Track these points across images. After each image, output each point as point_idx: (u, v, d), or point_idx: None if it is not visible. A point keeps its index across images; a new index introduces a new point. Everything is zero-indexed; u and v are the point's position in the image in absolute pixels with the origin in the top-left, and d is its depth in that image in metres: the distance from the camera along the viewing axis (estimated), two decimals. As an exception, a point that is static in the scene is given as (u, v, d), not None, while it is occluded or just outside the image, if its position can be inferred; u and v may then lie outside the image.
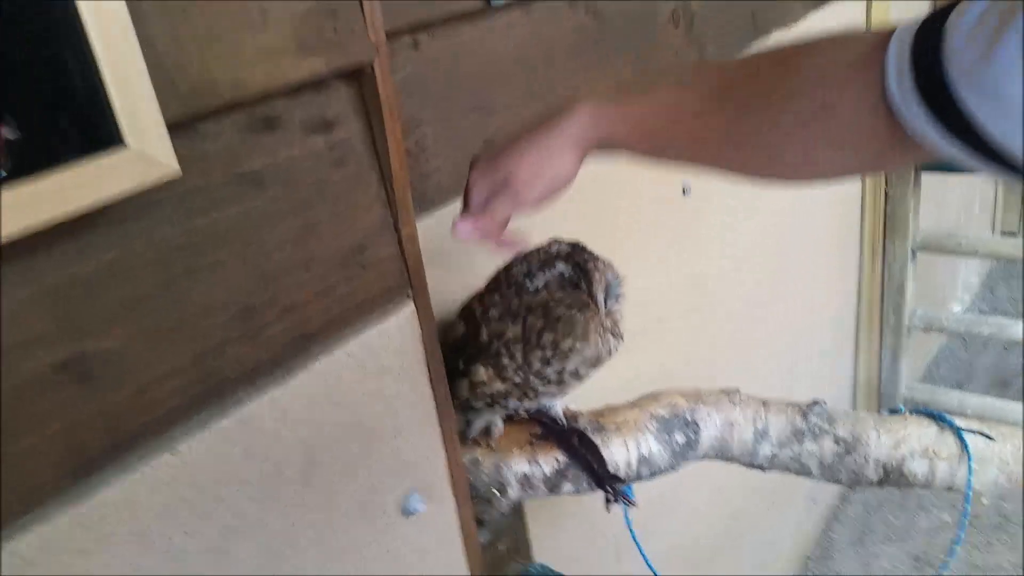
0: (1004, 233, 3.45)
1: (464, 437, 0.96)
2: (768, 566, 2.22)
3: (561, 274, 0.85)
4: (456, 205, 1.00)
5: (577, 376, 0.87)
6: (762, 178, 0.67)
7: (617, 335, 0.88)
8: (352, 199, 0.71)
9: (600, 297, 0.84)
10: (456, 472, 0.87)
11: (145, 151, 0.50)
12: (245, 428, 0.66)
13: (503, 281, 0.87)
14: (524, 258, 0.87)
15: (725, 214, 1.59)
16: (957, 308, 3.16)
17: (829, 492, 2.45)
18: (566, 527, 1.30)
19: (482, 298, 0.89)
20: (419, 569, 0.86)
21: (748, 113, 0.63)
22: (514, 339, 0.85)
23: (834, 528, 2.44)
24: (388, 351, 0.76)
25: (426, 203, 0.95)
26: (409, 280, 0.77)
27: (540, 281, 0.85)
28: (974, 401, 2.33)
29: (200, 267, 0.62)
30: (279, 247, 0.66)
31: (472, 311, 0.89)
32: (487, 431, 0.97)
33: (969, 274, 3.32)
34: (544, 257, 0.86)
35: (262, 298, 0.66)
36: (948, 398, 2.39)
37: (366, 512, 0.78)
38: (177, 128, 0.54)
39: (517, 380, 0.87)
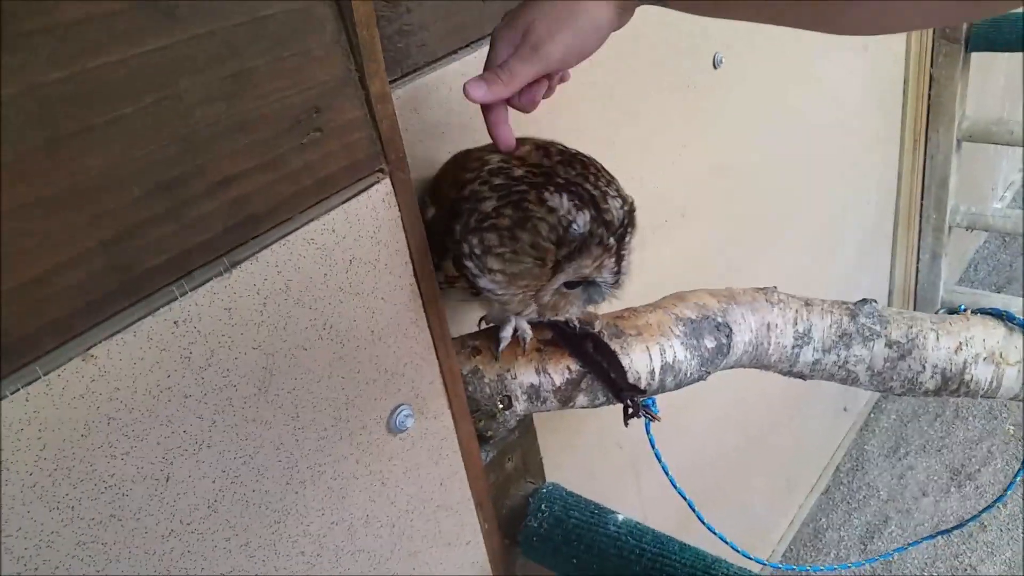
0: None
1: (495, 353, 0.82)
2: (798, 478, 2.13)
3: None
4: (449, 68, 0.85)
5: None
6: (835, 27, 0.58)
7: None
8: (300, 43, 0.57)
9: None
10: (451, 383, 0.75)
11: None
12: (179, 330, 0.54)
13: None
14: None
15: (757, 93, 1.42)
16: (998, 206, 2.97)
17: (861, 401, 2.34)
18: (581, 442, 1.19)
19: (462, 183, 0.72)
20: (412, 491, 0.74)
21: None
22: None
23: (866, 438, 2.34)
24: (359, 237, 0.62)
25: (407, 65, 0.81)
26: (383, 151, 0.63)
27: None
28: (1018, 304, 2.18)
29: (96, 124, 0.48)
30: (203, 102, 0.52)
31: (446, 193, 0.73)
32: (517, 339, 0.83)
33: (1011, 170, 3.12)
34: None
35: (185, 168, 0.52)
36: (990, 302, 2.23)
37: (343, 429, 0.66)
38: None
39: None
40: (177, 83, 0.51)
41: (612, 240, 0.67)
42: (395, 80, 0.80)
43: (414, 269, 0.67)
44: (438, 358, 0.72)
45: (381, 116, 0.62)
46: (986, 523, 2.05)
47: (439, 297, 0.71)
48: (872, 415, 2.40)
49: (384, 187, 0.63)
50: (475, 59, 0.87)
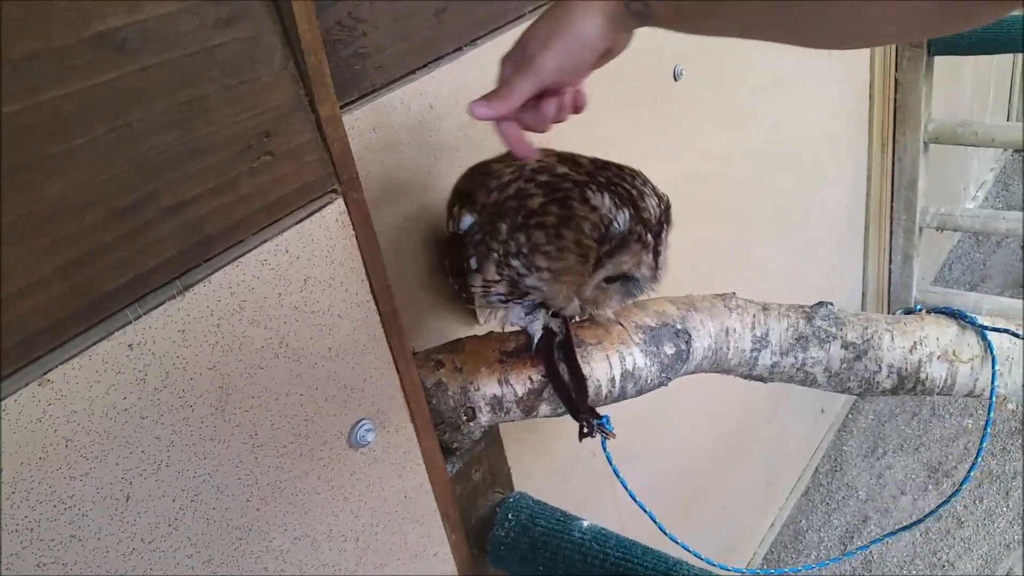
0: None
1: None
2: (777, 481, 2.15)
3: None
4: (407, 87, 0.87)
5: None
6: (812, 42, 0.62)
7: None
8: (249, 70, 0.58)
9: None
10: (413, 396, 0.76)
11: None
12: (134, 352, 0.55)
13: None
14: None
15: (721, 103, 1.45)
16: (971, 206, 3.01)
17: (838, 402, 2.37)
18: (554, 451, 1.20)
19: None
20: (376, 504, 0.76)
21: None
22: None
23: (844, 439, 2.36)
24: (313, 257, 0.64)
25: (365, 87, 0.82)
26: (335, 172, 0.65)
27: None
28: (991, 302, 2.21)
29: (52, 155, 0.49)
30: (155, 130, 0.54)
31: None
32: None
33: (982, 170, 3.16)
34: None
35: (139, 194, 0.54)
36: (963, 300, 2.27)
37: (303, 445, 0.67)
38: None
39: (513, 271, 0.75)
40: (129, 113, 0.53)
41: (649, 237, 0.72)
42: (352, 102, 0.82)
43: (370, 286, 0.69)
44: (398, 372, 0.74)
45: (332, 139, 0.64)
46: (963, 519, 2.07)
47: (397, 312, 0.72)
48: (850, 416, 2.42)
49: (337, 207, 0.65)
50: (433, 78, 0.89)
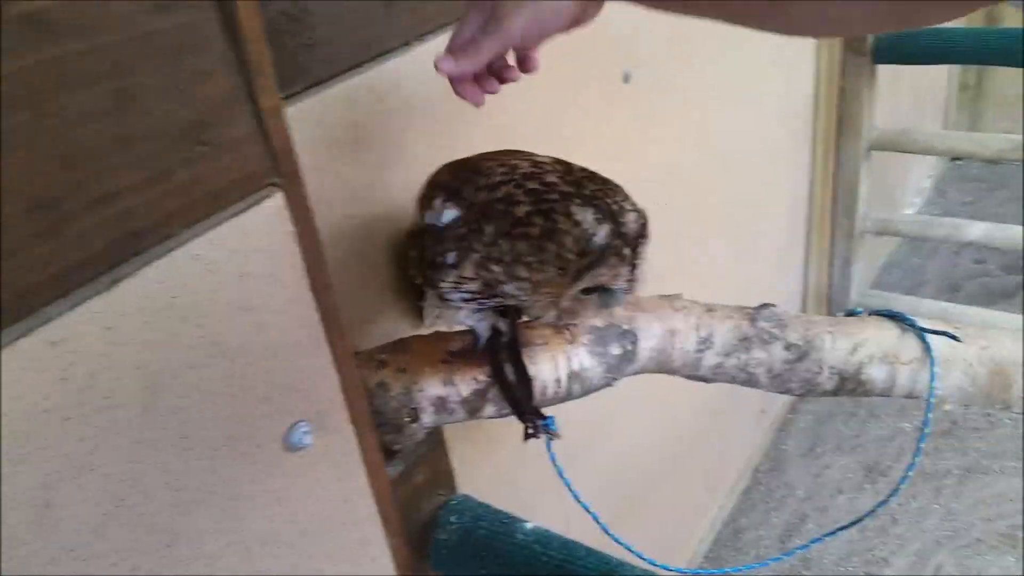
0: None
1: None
2: (717, 480, 2.17)
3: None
4: (353, 81, 0.85)
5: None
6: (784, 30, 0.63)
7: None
8: (187, 59, 0.56)
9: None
10: (353, 397, 0.74)
11: None
12: (57, 350, 0.52)
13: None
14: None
15: (669, 107, 1.45)
16: (909, 212, 3.09)
17: (778, 403, 2.40)
18: (500, 452, 1.19)
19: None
20: (313, 508, 0.73)
21: None
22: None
23: (784, 439, 2.40)
24: (250, 252, 0.62)
25: (310, 79, 0.80)
26: (275, 165, 0.62)
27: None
28: (927, 306, 2.28)
29: (-34, 141, 0.46)
30: (84, 118, 0.51)
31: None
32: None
33: (920, 177, 3.25)
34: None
35: (64, 185, 0.51)
36: (900, 304, 2.32)
37: (236, 447, 0.65)
38: None
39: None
40: (56, 99, 0.50)
41: (627, 251, 0.73)
42: (297, 94, 0.80)
43: (310, 283, 0.67)
44: (339, 372, 0.72)
45: (273, 130, 0.62)
46: (897, 517, 2.12)
47: (338, 310, 0.70)
48: (789, 416, 2.46)
49: (277, 201, 0.63)
50: (381, 73, 0.87)
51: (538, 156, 0.77)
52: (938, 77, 3.13)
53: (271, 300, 0.64)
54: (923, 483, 2.18)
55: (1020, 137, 2.06)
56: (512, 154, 0.79)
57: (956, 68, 3.26)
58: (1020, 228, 2.15)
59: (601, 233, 0.71)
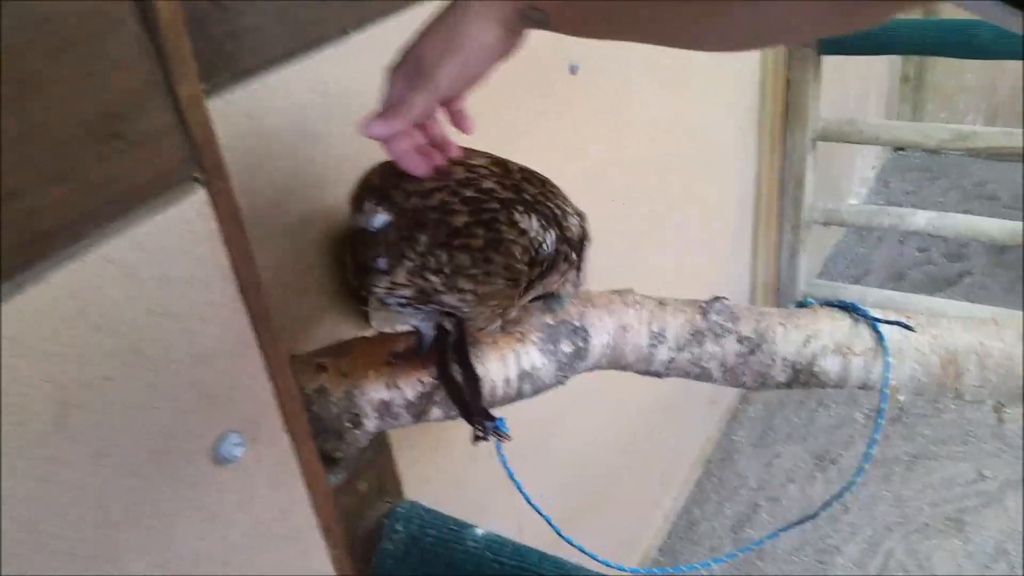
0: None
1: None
2: (670, 474, 2.17)
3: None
4: (287, 71, 0.81)
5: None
6: (711, 43, 0.63)
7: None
8: (95, 45, 0.51)
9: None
10: (289, 405, 0.70)
11: None
12: (-47, 364, 0.48)
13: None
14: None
15: (616, 98, 1.43)
16: (854, 203, 3.13)
17: (729, 393, 2.41)
18: (448, 455, 1.16)
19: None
20: (247, 523, 0.69)
21: None
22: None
23: (735, 430, 2.41)
24: (170, 254, 0.57)
25: (239, 69, 0.76)
26: (197, 159, 0.58)
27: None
28: (874, 295, 2.30)
29: None
30: (-24, 109, 0.46)
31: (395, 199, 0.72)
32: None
33: (864, 168, 3.29)
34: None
35: (-44, 182, 0.46)
36: (848, 293, 2.35)
37: (161, 463, 0.61)
38: None
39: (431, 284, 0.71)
40: (-60, 88, 0.45)
41: (574, 255, 0.70)
42: (224, 85, 0.75)
43: (239, 285, 0.63)
44: (272, 379, 0.68)
45: (193, 122, 0.57)
46: (848, 505, 2.14)
47: (270, 313, 0.66)
48: (740, 406, 2.47)
49: (199, 198, 0.58)
50: (316, 63, 0.83)
51: (473, 159, 0.73)
52: (881, 70, 3.17)
53: (195, 305, 0.60)
54: (873, 469, 2.20)
55: (961, 127, 2.08)
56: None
57: (897, 61, 3.31)
58: (962, 216, 2.18)
59: (549, 240, 0.68)
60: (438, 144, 0.72)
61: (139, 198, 0.55)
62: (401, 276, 0.71)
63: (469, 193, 0.69)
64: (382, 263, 0.72)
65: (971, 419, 2.31)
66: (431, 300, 0.71)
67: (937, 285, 2.76)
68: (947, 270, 2.83)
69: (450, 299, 0.70)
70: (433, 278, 0.69)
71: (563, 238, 0.69)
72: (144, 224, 0.55)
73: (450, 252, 0.68)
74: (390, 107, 0.66)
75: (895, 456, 2.23)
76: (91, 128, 0.52)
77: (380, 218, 0.71)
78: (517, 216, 0.67)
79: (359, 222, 0.74)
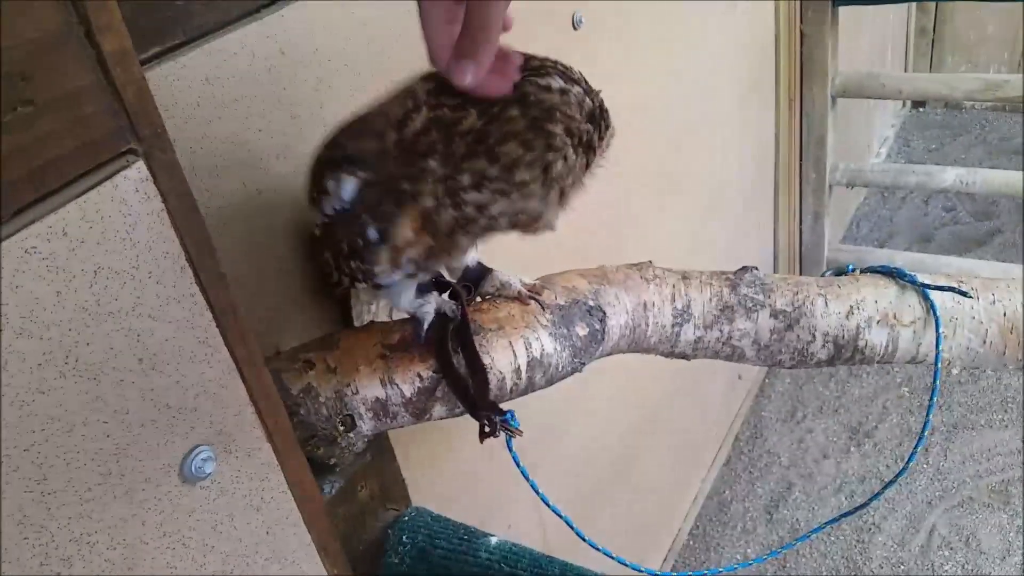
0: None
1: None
2: (697, 450, 2.08)
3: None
4: (249, 29, 0.71)
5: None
6: None
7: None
8: (-12, -12, 0.42)
9: None
10: (268, 409, 0.61)
11: None
12: None
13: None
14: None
15: (622, 56, 1.33)
16: (875, 161, 3.01)
17: (754, 367, 2.31)
18: (455, 453, 1.07)
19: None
20: (228, 547, 0.61)
21: None
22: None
23: (763, 405, 2.31)
24: (105, 240, 0.48)
25: (192, 29, 0.67)
26: (130, 126, 0.49)
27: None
28: (903, 257, 2.19)
29: None
30: None
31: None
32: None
33: (884, 127, 3.16)
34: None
35: None
36: (875, 257, 2.24)
37: (116, 486, 0.52)
38: None
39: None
40: None
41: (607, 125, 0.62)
42: (178, 47, 0.66)
43: (195, 274, 0.53)
44: (244, 382, 0.59)
45: (123, 82, 0.48)
46: (886, 480, 2.04)
47: (238, 308, 0.57)
48: (767, 380, 2.37)
49: (136, 172, 0.49)
50: (283, 18, 0.73)
51: (415, 82, 0.61)
52: (897, 23, 3.04)
53: (141, 300, 0.50)
54: (910, 443, 2.10)
55: (988, 76, 1.96)
56: (394, 94, 0.62)
57: (914, 12, 3.17)
58: (993, 171, 2.06)
59: (593, 94, 0.59)
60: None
61: (60, 175, 0.46)
62: (406, 231, 0.60)
63: (454, 101, 0.57)
64: (372, 233, 0.62)
65: (1009, 384, 2.20)
66: (472, 230, 0.61)
67: (966, 245, 2.64)
68: (976, 229, 2.71)
69: (503, 205, 0.59)
70: (475, 195, 0.58)
71: (590, 91, 0.60)
72: (70, 206, 0.46)
73: (490, 153, 0.56)
74: (467, 38, 0.53)
75: (932, 427, 2.13)
76: (-7, 92, 0.43)
77: (348, 186, 0.61)
78: (542, 81, 0.57)
79: (328, 209, 0.64)
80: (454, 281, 0.78)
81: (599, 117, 0.60)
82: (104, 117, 0.47)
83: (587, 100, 0.58)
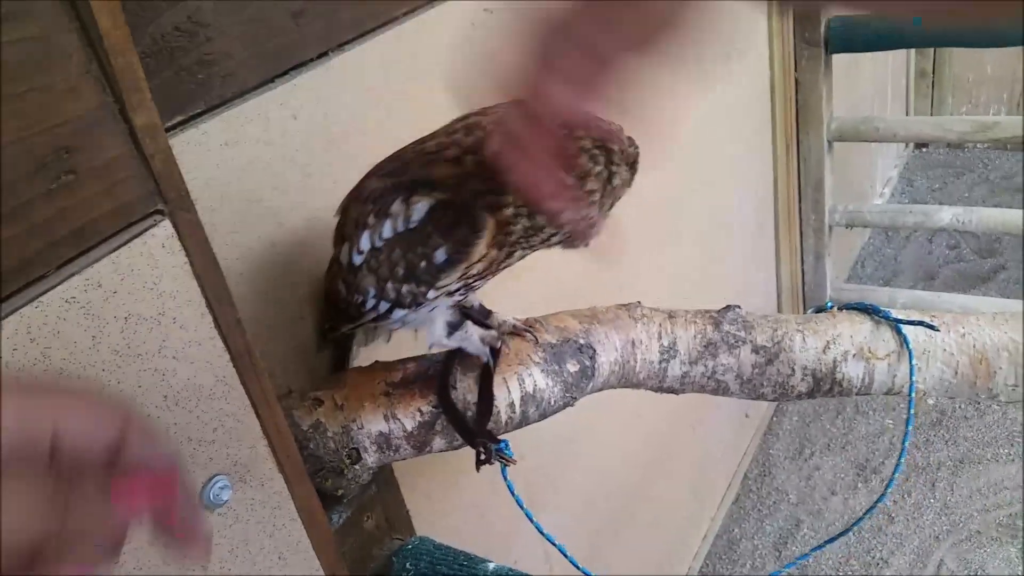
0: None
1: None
2: (704, 488, 2.10)
3: None
4: (264, 97, 0.78)
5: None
6: None
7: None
8: (39, 76, 0.49)
9: None
10: (280, 444, 0.67)
11: None
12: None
13: None
14: None
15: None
16: (878, 203, 3.06)
17: (762, 406, 2.35)
18: (458, 485, 1.12)
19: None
20: (243, 570, 0.66)
21: None
22: None
23: (771, 443, 2.34)
24: (135, 291, 0.55)
25: (213, 97, 0.74)
26: (157, 190, 0.56)
27: None
28: (906, 296, 2.23)
29: None
30: (-93, 148, 0.44)
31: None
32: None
33: (886, 168, 3.22)
34: None
35: None
36: (877, 295, 2.28)
37: (141, 511, 0.57)
38: None
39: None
40: None
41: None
42: (199, 115, 0.73)
43: (214, 320, 0.60)
44: (259, 417, 0.65)
45: (152, 151, 0.55)
46: (893, 515, 2.06)
47: (252, 349, 0.63)
48: (774, 419, 2.40)
49: (163, 231, 0.56)
50: (294, 87, 0.81)
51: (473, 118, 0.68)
52: (897, 67, 3.11)
53: (166, 343, 0.57)
54: (916, 477, 2.12)
55: (980, 118, 2.02)
56: (444, 131, 0.69)
57: (913, 56, 3.25)
58: (989, 210, 2.11)
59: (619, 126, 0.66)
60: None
61: (97, 233, 0.53)
62: (481, 247, 0.65)
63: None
64: (440, 254, 0.66)
65: (1015, 419, 2.22)
66: (532, 243, 0.68)
67: (970, 283, 2.68)
68: (980, 267, 2.75)
69: (573, 213, 0.64)
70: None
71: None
72: (104, 261, 0.53)
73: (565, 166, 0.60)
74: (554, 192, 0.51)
75: (939, 461, 2.15)
76: (39, 163, 0.50)
77: (421, 204, 0.66)
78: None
79: (386, 232, 0.68)
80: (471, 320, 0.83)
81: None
82: (135, 183, 0.54)
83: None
